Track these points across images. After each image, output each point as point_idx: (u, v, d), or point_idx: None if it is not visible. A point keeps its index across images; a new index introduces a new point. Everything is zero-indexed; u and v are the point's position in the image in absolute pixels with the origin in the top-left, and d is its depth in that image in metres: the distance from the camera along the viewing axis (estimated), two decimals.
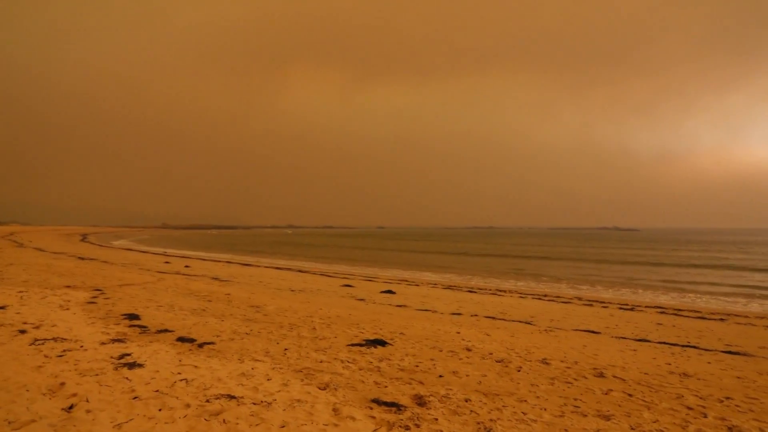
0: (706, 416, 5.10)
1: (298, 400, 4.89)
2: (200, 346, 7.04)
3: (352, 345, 7.70)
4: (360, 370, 6.25)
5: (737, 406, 5.56)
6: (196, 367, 5.88)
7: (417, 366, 6.62)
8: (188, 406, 4.53)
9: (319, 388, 5.36)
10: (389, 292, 18.48)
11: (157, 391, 4.89)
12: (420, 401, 5.11)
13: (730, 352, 9.35)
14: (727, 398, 5.83)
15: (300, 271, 29.83)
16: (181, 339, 7.38)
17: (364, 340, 8.05)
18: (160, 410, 4.38)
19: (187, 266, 26.73)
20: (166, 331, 7.93)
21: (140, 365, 5.76)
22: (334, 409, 4.71)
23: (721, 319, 14.98)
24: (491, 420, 4.65)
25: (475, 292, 20.91)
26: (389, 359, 6.91)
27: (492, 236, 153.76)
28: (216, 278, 20.05)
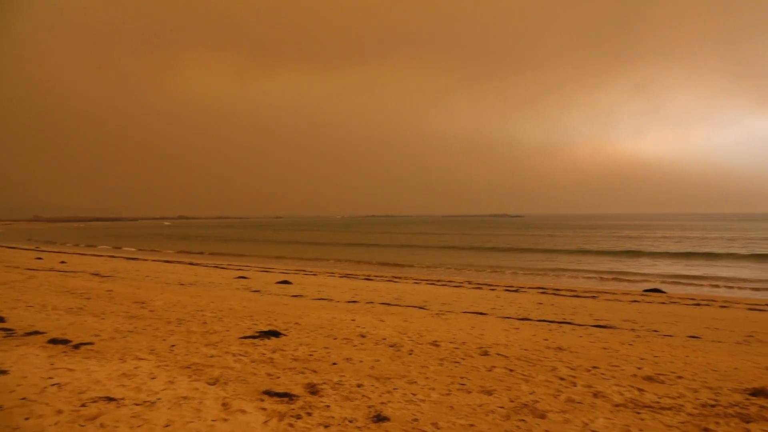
0: (575, 385, 5.61)
1: (185, 398, 4.71)
2: (76, 347, 6.52)
3: (245, 337, 7.53)
4: (252, 362, 6.14)
5: (602, 374, 6.17)
6: (70, 370, 5.44)
7: (311, 355, 6.63)
8: (60, 412, 4.19)
9: (209, 384, 5.19)
10: (285, 282, 18.25)
11: (23, 398, 4.46)
12: (313, 390, 5.13)
13: (598, 326, 10.35)
14: (594, 367, 6.45)
15: (191, 263, 28.54)
16: (54, 341, 6.78)
17: (258, 332, 7.90)
18: (26, 419, 4.01)
19: (62, 262, 24.53)
20: (36, 333, 7.24)
21: (4, 372, 5.21)
22: (224, 404, 4.59)
23: (593, 297, 16.54)
24: (382, 403, 4.78)
25: (372, 280, 21.27)
26: (283, 350, 6.85)
27: (389, 225, 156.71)
28: (97, 274, 18.61)
